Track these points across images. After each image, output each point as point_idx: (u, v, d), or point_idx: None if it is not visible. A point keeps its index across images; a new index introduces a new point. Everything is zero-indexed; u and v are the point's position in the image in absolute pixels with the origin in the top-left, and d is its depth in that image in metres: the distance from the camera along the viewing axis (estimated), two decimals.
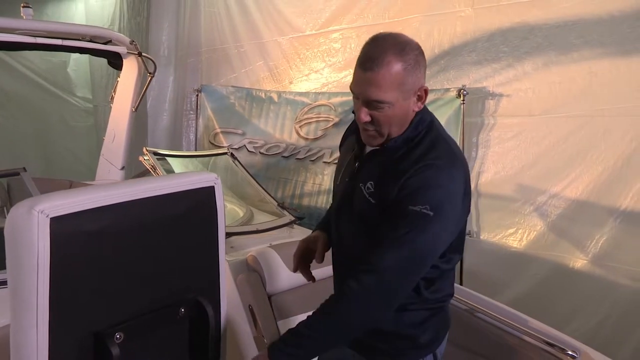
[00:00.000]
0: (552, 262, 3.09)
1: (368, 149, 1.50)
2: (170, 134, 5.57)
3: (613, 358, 1.98)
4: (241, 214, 3.01)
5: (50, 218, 1.06)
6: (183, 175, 1.40)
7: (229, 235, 2.61)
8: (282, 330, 2.29)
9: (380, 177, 1.41)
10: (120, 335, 1.17)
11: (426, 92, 1.40)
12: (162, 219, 1.28)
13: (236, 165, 3.34)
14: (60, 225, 1.07)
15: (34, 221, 1.04)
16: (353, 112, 1.49)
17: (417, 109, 1.41)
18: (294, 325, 2.32)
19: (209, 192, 1.37)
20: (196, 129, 5.15)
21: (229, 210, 3.19)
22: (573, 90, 2.98)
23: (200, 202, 1.36)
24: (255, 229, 2.69)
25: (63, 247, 1.08)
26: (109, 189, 1.19)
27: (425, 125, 1.43)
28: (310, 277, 1.72)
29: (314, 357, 1.38)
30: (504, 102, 3.22)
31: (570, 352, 2.02)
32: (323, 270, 1.82)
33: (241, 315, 2.28)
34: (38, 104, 6.33)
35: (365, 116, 1.37)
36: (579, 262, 3.02)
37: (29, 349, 1.07)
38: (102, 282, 1.15)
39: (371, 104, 1.36)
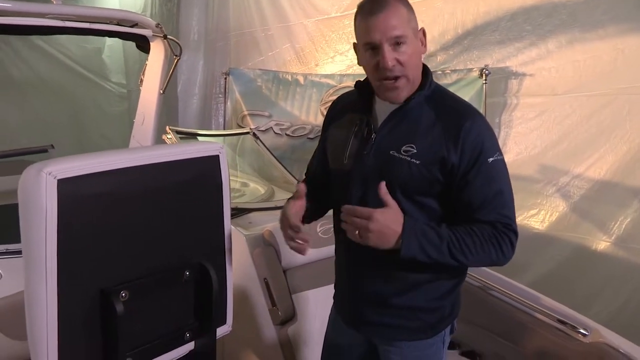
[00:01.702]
0: (574, 243, 3.06)
1: (381, 117, 1.49)
2: (200, 117, 5.66)
3: (635, 343, 1.96)
4: (262, 191, 3.07)
5: (58, 180, 1.12)
6: (189, 144, 1.45)
7: (248, 211, 2.67)
8: (297, 304, 2.35)
9: (422, 137, 1.41)
10: (125, 294, 1.23)
11: (424, 34, 1.47)
12: (167, 185, 1.33)
13: (258, 144, 3.39)
14: (67, 187, 1.13)
15: (42, 182, 1.10)
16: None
17: (422, 52, 1.46)
18: (307, 299, 2.40)
19: (214, 160, 1.42)
20: (224, 112, 5.22)
21: (251, 189, 3.25)
22: (598, 68, 2.93)
23: (206, 170, 1.41)
24: (274, 206, 2.74)
25: (70, 208, 1.14)
26: (115, 154, 1.25)
27: (434, 83, 1.50)
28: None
29: (430, 260, 1.36)
30: (527, 82, 3.18)
31: (581, 330, 2.01)
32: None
33: (257, 288, 2.34)
34: (74, 90, 6.47)
35: (392, 60, 1.37)
36: (602, 244, 2.98)
37: (40, 303, 1.13)
38: (107, 243, 1.21)
39: (392, 44, 1.38)
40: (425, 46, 1.47)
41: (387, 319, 1.51)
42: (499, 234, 1.37)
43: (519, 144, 3.23)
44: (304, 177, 1.81)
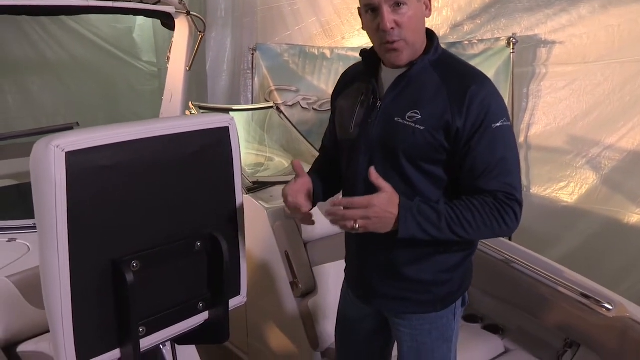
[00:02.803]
0: (605, 217, 2.98)
1: (387, 84, 1.48)
2: (229, 93, 5.67)
3: None
4: (286, 165, 3.08)
5: (66, 152, 1.13)
6: (198, 115, 1.45)
7: (270, 184, 2.68)
8: (317, 277, 2.36)
9: (427, 103, 1.39)
10: (136, 264, 1.25)
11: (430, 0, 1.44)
12: (177, 156, 1.33)
13: (282, 119, 3.39)
14: (75, 160, 1.15)
15: (51, 155, 1.12)
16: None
17: (427, 16, 1.44)
18: (328, 272, 2.41)
19: (224, 132, 1.42)
20: (252, 88, 5.22)
21: (275, 163, 3.26)
22: (633, 33, 2.80)
23: (215, 141, 1.40)
24: None
25: (79, 180, 1.15)
26: (124, 127, 1.26)
27: (440, 48, 1.47)
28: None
29: (430, 237, 1.35)
30: (556, 50, 3.07)
31: (605, 304, 1.97)
32: None
33: (277, 260, 2.36)
34: (105, 70, 6.56)
35: (390, 22, 1.35)
36: (634, 217, 2.89)
37: (53, 274, 1.16)
38: (117, 214, 1.23)
39: (392, 5, 1.35)
40: (430, 10, 1.44)
41: (396, 291, 1.51)
42: (501, 206, 1.34)
43: (548, 114, 3.14)
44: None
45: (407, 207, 1.33)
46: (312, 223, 1.51)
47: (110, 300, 1.24)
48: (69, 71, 6.22)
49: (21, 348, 1.71)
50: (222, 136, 1.42)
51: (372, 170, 1.35)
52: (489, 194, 1.34)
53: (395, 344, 1.68)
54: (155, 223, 1.30)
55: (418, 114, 1.39)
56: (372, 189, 1.46)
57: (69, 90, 6.13)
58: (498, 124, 1.36)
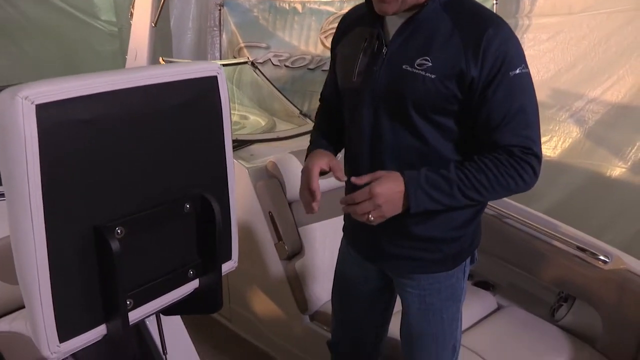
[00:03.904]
0: (588, 170, 2.95)
1: (393, 29, 1.35)
2: (195, 52, 5.45)
3: None
4: (263, 123, 2.95)
5: (36, 105, 0.99)
6: (183, 64, 1.30)
7: (250, 143, 2.56)
8: (303, 237, 2.27)
9: (438, 49, 1.28)
10: (120, 230, 1.12)
11: None
12: (161, 109, 1.19)
13: (257, 75, 3.24)
14: (47, 113, 1.00)
15: (18, 108, 0.97)
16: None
17: None
18: (315, 232, 2.32)
19: (212, 82, 1.28)
20: (220, 45, 5.04)
21: (251, 121, 3.13)
22: None
23: (202, 92, 1.27)
24: (276, 137, 2.63)
25: (52, 137, 1.01)
26: (102, 76, 1.11)
27: None
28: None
29: (444, 206, 1.29)
30: (540, 1, 2.98)
31: (601, 257, 1.94)
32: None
33: (262, 222, 2.26)
34: (63, 31, 6.24)
35: None
36: (617, 170, 2.87)
37: (27, 245, 1.02)
38: (98, 175, 1.09)
39: None
40: None
41: (406, 251, 1.43)
42: (517, 163, 1.26)
43: (531, 67, 2.92)
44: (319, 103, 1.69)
45: (414, 181, 1.25)
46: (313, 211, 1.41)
47: (93, 271, 1.12)
48: (23, 33, 5.89)
49: None
50: (210, 86, 1.28)
51: (354, 179, 1.28)
52: (503, 151, 1.26)
53: (398, 300, 1.62)
54: (140, 183, 1.17)
55: (428, 61, 1.27)
56: (379, 145, 1.37)
57: (25, 54, 5.82)
58: (516, 72, 1.26)
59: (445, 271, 1.44)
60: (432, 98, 1.28)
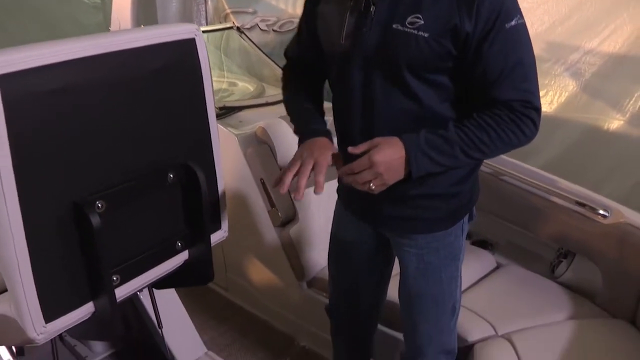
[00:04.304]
0: (585, 124, 2.89)
1: None
2: (181, 20, 5.30)
3: None
4: (252, 89, 2.87)
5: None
6: (157, 26, 1.23)
7: (238, 109, 2.49)
8: (297, 203, 2.23)
9: (429, 5, 1.20)
10: (101, 204, 1.07)
11: None
12: (136, 74, 1.13)
13: (245, 40, 3.14)
14: (13, 84, 0.94)
15: None
16: None
17: None
18: (308, 198, 2.27)
19: (189, 45, 1.22)
20: (206, 12, 4.90)
21: (239, 88, 3.05)
22: None
23: (180, 56, 1.21)
24: (265, 102, 2.56)
25: (19, 109, 0.95)
26: (70, 42, 1.04)
27: None
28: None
29: (446, 168, 1.24)
30: None
31: (601, 212, 1.90)
32: None
33: (253, 189, 2.21)
34: (47, 7, 6.09)
35: None
36: (615, 122, 2.81)
37: (2, 223, 0.97)
38: (74, 147, 1.04)
39: None
40: None
41: (406, 210, 1.38)
42: (518, 118, 1.21)
43: (525, 20, 2.97)
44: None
45: (414, 145, 1.19)
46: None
47: (75, 249, 1.07)
48: (6, 14, 5.72)
49: None
50: (187, 50, 1.22)
51: (351, 149, 1.20)
52: (503, 106, 1.20)
53: (396, 263, 1.58)
54: (119, 155, 1.12)
55: (420, 18, 1.20)
56: (371, 109, 1.30)
57: (10, 36, 5.67)
58: (512, 23, 1.19)
59: (444, 229, 1.40)
60: (425, 57, 1.21)
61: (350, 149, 1.20)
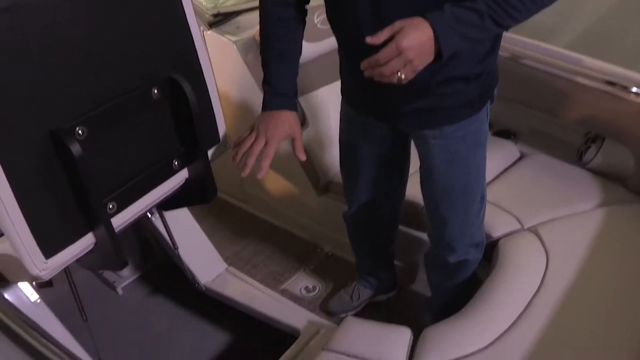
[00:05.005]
0: None
1: None
2: None
3: None
4: None
5: None
6: None
7: (235, 14, 2.31)
8: (305, 107, 2.11)
9: None
10: (82, 130, 0.99)
11: None
12: None
13: None
14: None
15: None
16: None
17: None
18: (317, 100, 2.15)
19: None
20: None
21: None
22: None
23: None
24: None
25: None
26: None
27: None
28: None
29: (477, 42, 1.15)
30: None
31: (634, 89, 1.75)
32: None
33: (257, 97, 2.08)
34: None
35: None
36: None
37: None
38: (41, 70, 0.93)
39: None
40: None
41: (428, 100, 1.27)
42: None
43: None
44: None
45: (440, 22, 1.04)
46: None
47: (62, 181, 1.00)
48: None
49: None
50: None
51: (370, 39, 1.03)
52: None
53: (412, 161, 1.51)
54: (95, 74, 1.01)
55: None
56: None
57: None
58: None
59: (469, 116, 1.30)
60: None
61: (370, 39, 1.04)
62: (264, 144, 1.22)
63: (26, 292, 1.63)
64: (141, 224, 1.89)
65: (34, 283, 1.65)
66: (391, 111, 1.35)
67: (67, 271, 1.48)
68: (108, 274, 2.21)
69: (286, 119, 1.27)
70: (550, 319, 1.34)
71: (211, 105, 1.24)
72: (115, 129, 1.06)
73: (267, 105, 1.29)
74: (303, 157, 1.28)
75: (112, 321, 2.01)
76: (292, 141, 1.28)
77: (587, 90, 1.82)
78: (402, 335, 1.41)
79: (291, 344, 1.63)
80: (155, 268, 2.25)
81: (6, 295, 1.57)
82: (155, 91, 1.10)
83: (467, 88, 1.26)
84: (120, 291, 2.17)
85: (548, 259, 1.53)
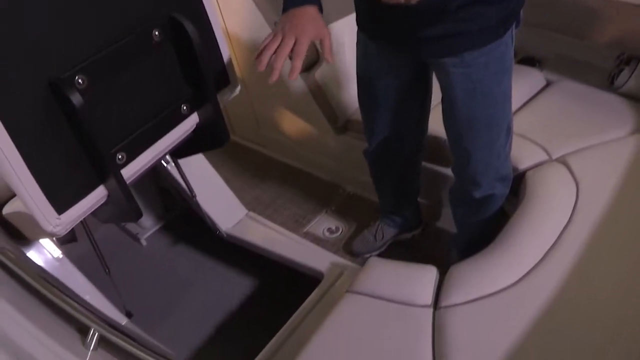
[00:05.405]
0: None
1: None
2: None
3: None
4: None
5: None
6: None
7: None
8: (318, 43, 2.02)
9: None
10: (82, 80, 0.94)
11: None
12: None
13: None
14: None
15: None
16: None
17: None
18: (332, 32, 2.04)
19: None
20: None
21: None
22: None
23: None
24: None
25: None
26: None
27: None
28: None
29: None
30: None
31: None
32: None
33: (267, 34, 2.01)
34: None
35: None
36: None
37: None
38: (36, 17, 0.87)
39: None
40: None
41: (448, 25, 1.19)
42: None
43: None
44: None
45: None
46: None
47: (67, 134, 0.96)
48: None
49: (6, 210, 1.50)
50: None
51: None
52: None
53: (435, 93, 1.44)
54: (90, 19, 0.95)
55: None
56: None
57: None
58: None
59: (492, 41, 1.22)
60: None
61: None
62: (293, 43, 1.10)
63: (48, 248, 1.64)
64: (159, 173, 1.87)
65: (54, 239, 1.65)
66: (409, 38, 1.27)
67: (84, 224, 1.46)
68: (131, 226, 2.22)
69: (313, 16, 1.15)
70: (580, 254, 1.29)
71: (217, 45, 1.18)
72: (117, 76, 1.00)
73: (289, 3, 1.17)
74: (331, 59, 1.17)
75: (136, 273, 2.03)
76: (320, 42, 1.15)
77: (619, 8, 1.70)
78: (428, 274, 1.38)
79: (315, 287, 1.61)
80: (177, 217, 2.25)
81: (28, 253, 1.58)
82: (157, 33, 1.04)
83: (488, 10, 1.17)
84: (144, 242, 2.18)
85: (578, 190, 1.46)
